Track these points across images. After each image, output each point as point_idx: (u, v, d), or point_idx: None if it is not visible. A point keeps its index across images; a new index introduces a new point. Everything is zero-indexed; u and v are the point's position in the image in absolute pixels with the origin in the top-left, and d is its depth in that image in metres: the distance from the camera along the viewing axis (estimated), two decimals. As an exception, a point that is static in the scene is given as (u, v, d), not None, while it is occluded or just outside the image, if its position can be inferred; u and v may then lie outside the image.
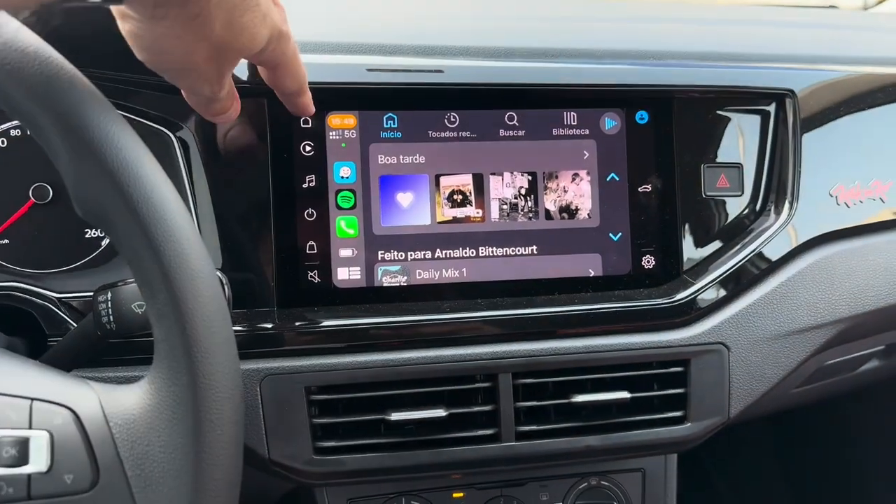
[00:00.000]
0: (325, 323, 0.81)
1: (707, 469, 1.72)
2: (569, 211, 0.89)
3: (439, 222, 0.86)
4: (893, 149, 0.99)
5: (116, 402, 0.50)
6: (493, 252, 0.87)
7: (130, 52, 0.78)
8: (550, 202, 0.88)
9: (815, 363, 0.99)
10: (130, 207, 0.48)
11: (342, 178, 0.84)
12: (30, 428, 0.49)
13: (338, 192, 0.84)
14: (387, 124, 0.85)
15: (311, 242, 0.83)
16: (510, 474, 0.93)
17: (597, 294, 0.89)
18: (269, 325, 0.80)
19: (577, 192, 0.89)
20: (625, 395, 0.86)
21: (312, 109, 0.79)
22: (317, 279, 0.83)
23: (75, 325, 0.77)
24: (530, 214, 0.88)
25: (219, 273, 0.66)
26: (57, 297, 0.79)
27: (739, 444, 1.67)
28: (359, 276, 0.84)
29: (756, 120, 0.94)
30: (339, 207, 0.84)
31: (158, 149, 0.80)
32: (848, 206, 0.95)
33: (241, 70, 0.80)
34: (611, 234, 0.90)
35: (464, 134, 0.87)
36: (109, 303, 0.65)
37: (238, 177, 0.82)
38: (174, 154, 0.80)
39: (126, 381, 0.78)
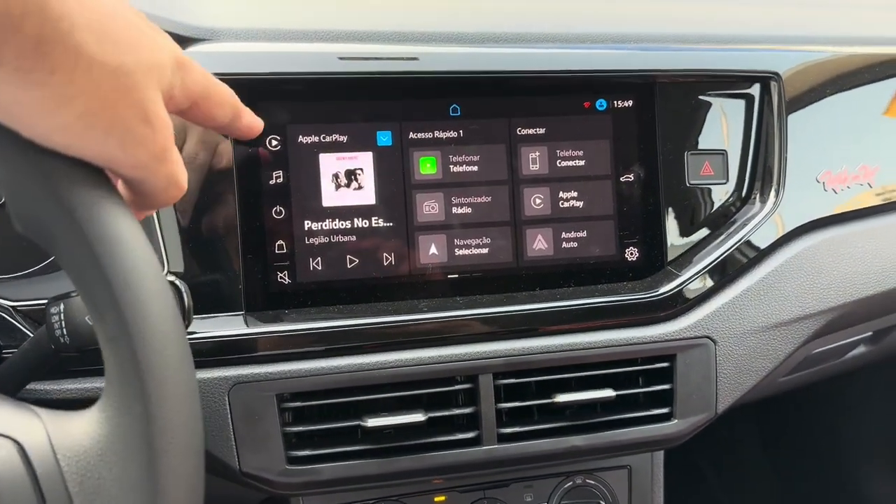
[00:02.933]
0: (297, 326, 0.78)
1: (694, 457, 1.70)
2: (554, 202, 0.85)
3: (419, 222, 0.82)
4: (880, 131, 0.97)
5: (65, 433, 0.47)
6: (472, 242, 0.84)
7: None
8: (532, 194, 0.85)
9: (802, 352, 0.97)
10: (73, 221, 0.44)
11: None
12: (-30, 461, 0.45)
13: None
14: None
15: (280, 242, 0.79)
16: (493, 476, 0.90)
17: (579, 289, 0.85)
18: (237, 331, 0.76)
19: (562, 183, 0.86)
20: (609, 393, 0.83)
21: (260, 125, 0.69)
22: (286, 280, 0.80)
23: (31, 334, 0.73)
24: (511, 206, 0.84)
25: (178, 281, 0.62)
26: (11, 306, 0.74)
27: (726, 430, 1.66)
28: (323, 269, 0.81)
29: (740, 104, 0.91)
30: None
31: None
32: (835, 192, 0.93)
33: (200, 58, 0.75)
34: (594, 226, 0.86)
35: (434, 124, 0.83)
36: (62, 315, 0.61)
37: (200, 175, 0.77)
38: (132, 152, 0.75)
39: (88, 393, 0.74)
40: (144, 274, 0.45)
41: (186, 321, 0.61)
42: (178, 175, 0.51)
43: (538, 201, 0.85)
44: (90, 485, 0.45)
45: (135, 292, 0.45)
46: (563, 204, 0.86)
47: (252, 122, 0.67)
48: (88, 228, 0.45)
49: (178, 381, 0.45)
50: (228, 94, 0.61)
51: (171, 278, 0.62)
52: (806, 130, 0.92)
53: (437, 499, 0.89)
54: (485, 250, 0.84)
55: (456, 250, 0.84)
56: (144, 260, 0.46)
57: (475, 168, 0.84)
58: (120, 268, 0.45)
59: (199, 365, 0.75)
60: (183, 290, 0.62)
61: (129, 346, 0.44)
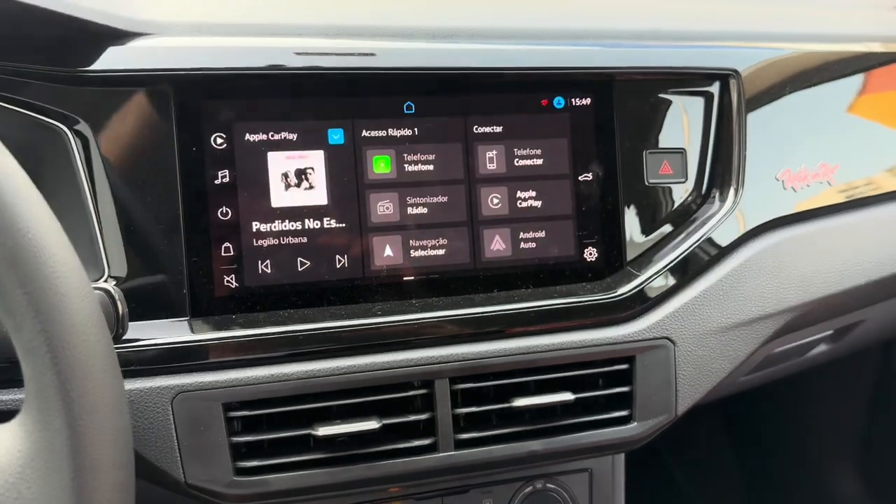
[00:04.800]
0: (244, 332, 0.75)
1: (658, 454, 1.70)
2: (512, 202, 0.83)
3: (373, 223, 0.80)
4: (840, 129, 0.96)
5: (-20, 449, 0.44)
6: (428, 243, 0.81)
7: (17, 38, 0.71)
8: (489, 194, 0.83)
9: (763, 352, 0.96)
10: None
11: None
12: None
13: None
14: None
15: (227, 244, 0.76)
16: (451, 482, 0.88)
17: (537, 290, 0.84)
18: (182, 338, 0.73)
19: (519, 183, 0.84)
20: (568, 396, 0.82)
21: None
22: (234, 283, 0.77)
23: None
24: (467, 206, 0.82)
25: (112, 287, 0.59)
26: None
27: (691, 428, 1.66)
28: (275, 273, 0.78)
29: (699, 102, 0.90)
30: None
31: (52, 147, 0.72)
32: (795, 191, 0.92)
33: (142, 53, 0.72)
34: (552, 226, 0.85)
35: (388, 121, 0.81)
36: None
37: (143, 175, 0.74)
38: (71, 152, 0.72)
39: (10, 405, 0.70)
40: (66, 278, 0.43)
41: (121, 329, 0.58)
42: None
43: (495, 201, 0.83)
44: (7, 505, 0.42)
45: (55, 298, 0.42)
46: (520, 204, 0.84)
47: None
48: (4, 229, 0.42)
49: (102, 392, 0.43)
50: None
51: (105, 284, 0.59)
52: (765, 128, 0.91)
53: (393, 507, 0.87)
54: (441, 251, 0.82)
55: (411, 252, 0.81)
56: (64, 263, 0.43)
57: (430, 167, 0.82)
58: (39, 272, 0.42)
59: (142, 373, 0.72)
60: (117, 296, 0.59)
61: (50, 356, 0.41)
